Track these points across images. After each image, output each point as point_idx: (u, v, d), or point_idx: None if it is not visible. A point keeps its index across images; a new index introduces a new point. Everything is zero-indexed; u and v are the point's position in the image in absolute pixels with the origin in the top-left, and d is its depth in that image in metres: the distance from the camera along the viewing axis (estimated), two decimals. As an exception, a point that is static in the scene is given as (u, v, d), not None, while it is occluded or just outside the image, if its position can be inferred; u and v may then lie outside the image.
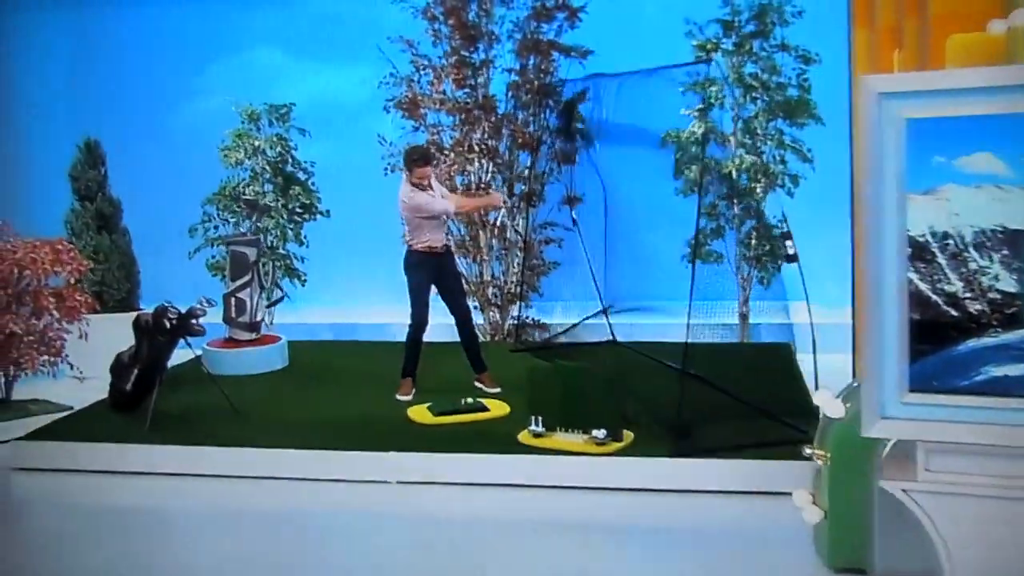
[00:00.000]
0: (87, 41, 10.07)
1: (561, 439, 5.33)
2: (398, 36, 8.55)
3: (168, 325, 5.90)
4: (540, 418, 5.40)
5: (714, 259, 8.23)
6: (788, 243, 4.98)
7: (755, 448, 5.07)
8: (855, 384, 4.08)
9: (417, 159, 6.35)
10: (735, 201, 8.24)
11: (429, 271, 6.46)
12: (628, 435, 5.30)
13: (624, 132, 8.26)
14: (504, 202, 6.50)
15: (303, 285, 8.81)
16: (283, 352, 7.58)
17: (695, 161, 7.98)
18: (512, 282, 8.69)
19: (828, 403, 3.92)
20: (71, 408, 6.63)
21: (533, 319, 8.58)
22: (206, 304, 6.06)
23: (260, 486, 5.37)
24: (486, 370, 6.64)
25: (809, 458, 4.13)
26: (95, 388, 6.76)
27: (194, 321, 5.92)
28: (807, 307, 5.03)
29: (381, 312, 9.57)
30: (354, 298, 9.83)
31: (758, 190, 8.11)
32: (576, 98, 8.52)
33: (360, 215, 9.14)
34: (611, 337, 8.11)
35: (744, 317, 8.27)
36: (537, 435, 5.38)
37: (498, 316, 8.68)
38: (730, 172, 8.13)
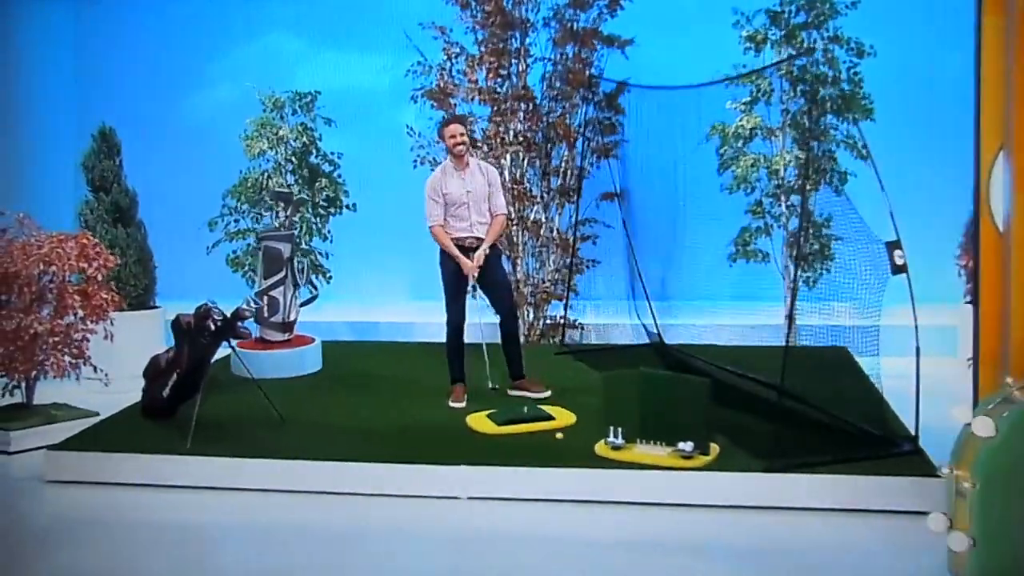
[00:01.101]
0: (100, 28, 9.69)
1: (643, 452, 4.99)
2: (430, 22, 8.18)
3: (212, 327, 5.47)
4: (619, 429, 5.06)
5: (760, 258, 7.97)
6: (898, 252, 4.63)
7: (853, 463, 4.77)
8: (998, 400, 3.78)
9: (447, 119, 6.27)
10: (782, 198, 7.95)
11: (457, 265, 6.09)
12: (715, 448, 4.97)
13: (666, 124, 7.96)
14: (472, 275, 6.13)
15: (328, 283, 8.38)
16: (317, 354, 7.16)
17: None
18: (547, 280, 8.34)
19: (976, 421, 3.62)
20: (97, 414, 6.19)
21: (570, 319, 8.23)
22: (252, 305, 5.64)
23: (316, 502, 4.99)
24: (523, 377, 6.28)
25: (942, 477, 3.86)
26: (119, 392, 6.35)
27: (240, 323, 5.50)
28: (913, 314, 4.70)
29: (404, 311, 9.23)
30: (375, 296, 9.47)
31: (807, 187, 7.81)
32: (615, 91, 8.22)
33: (383, 209, 8.76)
34: (657, 339, 7.79)
35: (791, 319, 7.95)
36: (616, 447, 5.04)
37: (532, 315, 8.32)
38: (778, 169, 7.85)
